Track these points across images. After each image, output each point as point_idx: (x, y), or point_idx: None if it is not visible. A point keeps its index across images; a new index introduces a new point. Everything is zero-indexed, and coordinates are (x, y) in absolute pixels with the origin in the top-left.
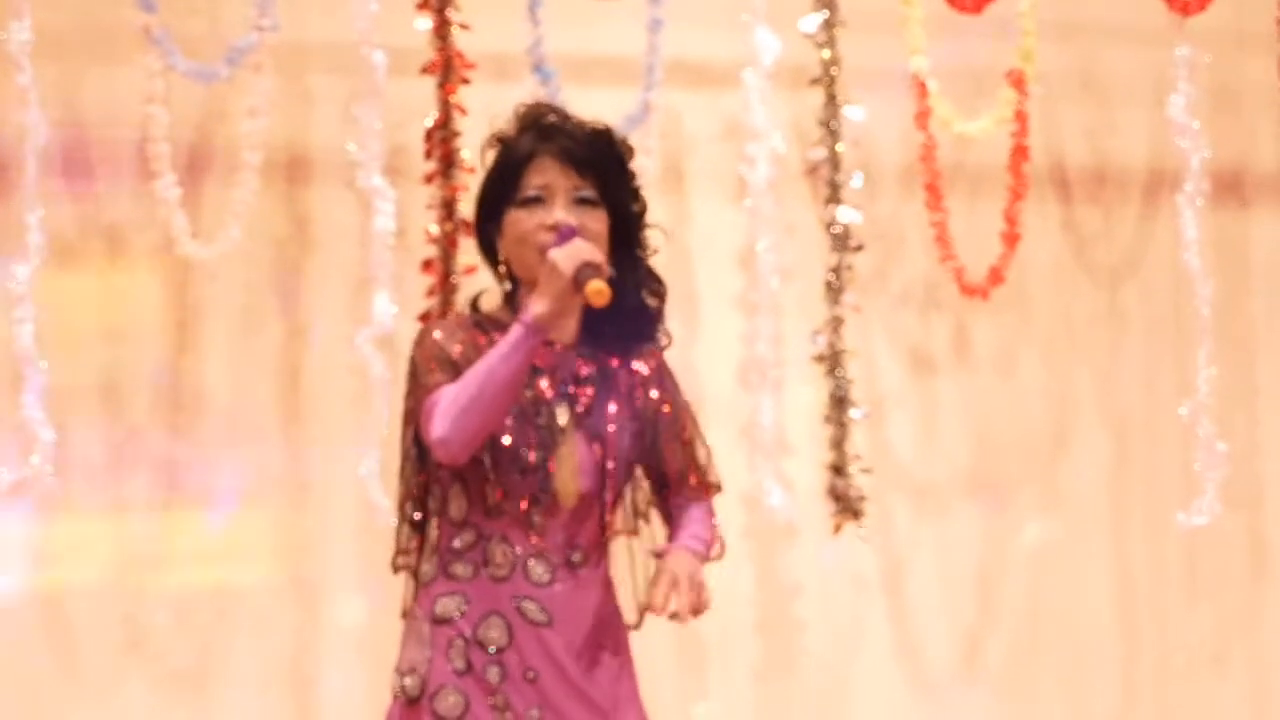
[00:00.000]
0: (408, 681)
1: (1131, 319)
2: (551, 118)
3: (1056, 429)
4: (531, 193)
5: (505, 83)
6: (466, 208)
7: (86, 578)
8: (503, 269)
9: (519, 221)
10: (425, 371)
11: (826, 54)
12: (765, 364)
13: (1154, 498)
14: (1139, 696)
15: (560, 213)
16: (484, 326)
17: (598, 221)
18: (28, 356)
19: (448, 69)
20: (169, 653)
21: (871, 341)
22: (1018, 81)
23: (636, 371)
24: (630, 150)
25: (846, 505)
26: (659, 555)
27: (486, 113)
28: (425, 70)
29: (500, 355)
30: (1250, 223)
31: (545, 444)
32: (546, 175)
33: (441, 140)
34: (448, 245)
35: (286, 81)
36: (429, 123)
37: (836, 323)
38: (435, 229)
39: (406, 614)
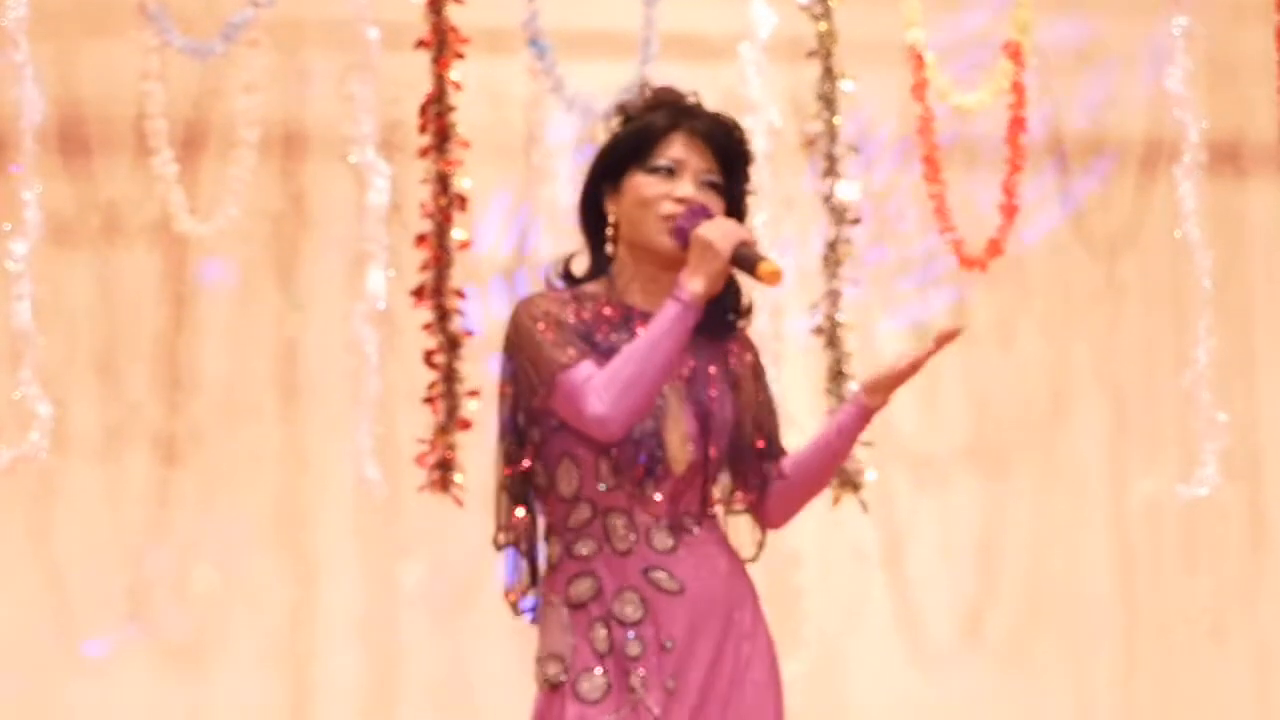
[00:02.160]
0: (551, 669)
1: (1130, 290)
2: (691, 99)
3: (1056, 400)
4: (664, 162)
5: (500, 57)
6: (461, 182)
7: (84, 554)
8: (610, 230)
9: (644, 185)
10: (551, 347)
11: (823, 27)
12: (764, 337)
13: (1153, 469)
14: (1139, 667)
15: (689, 187)
16: (581, 301)
17: (719, 208)
18: (25, 333)
19: (442, 44)
20: (167, 628)
21: (870, 314)
22: (1014, 53)
23: (734, 355)
24: (752, 150)
25: (845, 477)
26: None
27: (481, 87)
28: (420, 45)
29: (661, 331)
30: (1248, 193)
31: (656, 412)
32: (683, 150)
33: (436, 115)
34: (442, 220)
35: (282, 57)
36: (424, 98)
37: (835, 295)
38: (430, 203)
39: (508, 593)
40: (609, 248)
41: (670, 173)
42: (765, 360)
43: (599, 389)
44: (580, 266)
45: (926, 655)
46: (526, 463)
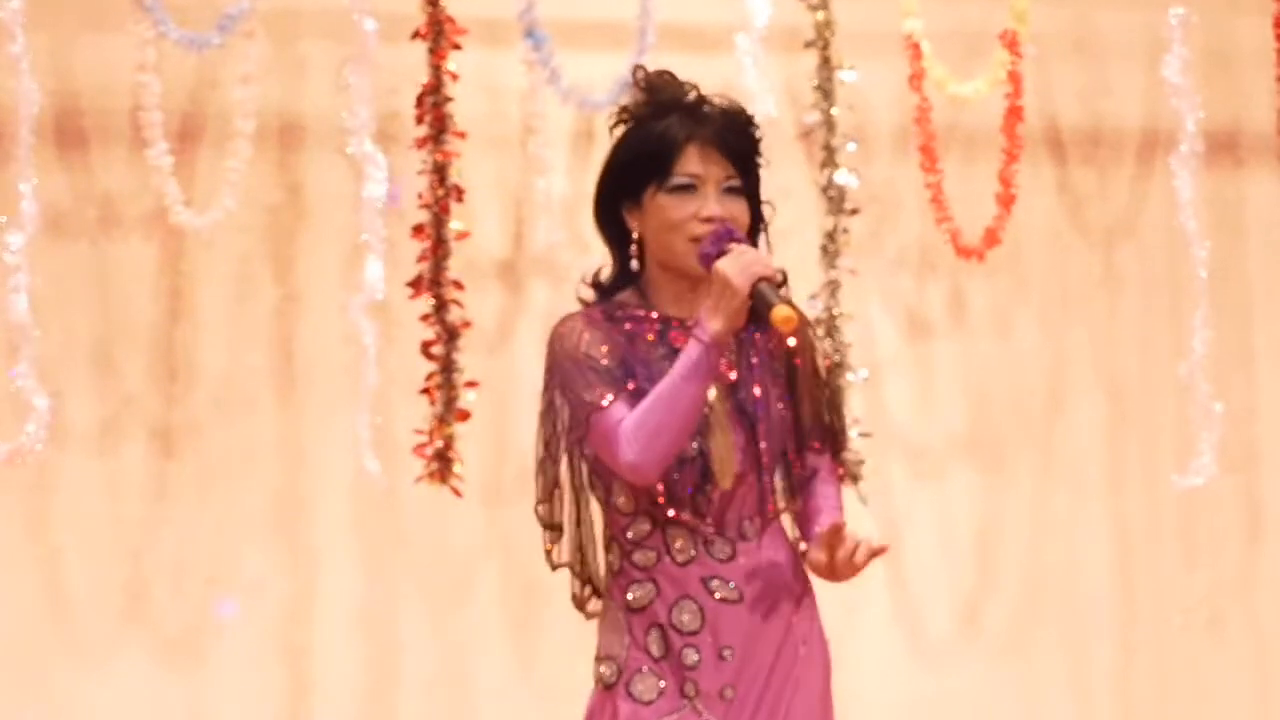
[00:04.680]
0: (604, 669)
1: (1127, 280)
2: (694, 95)
3: (1053, 391)
4: (683, 180)
5: (497, 48)
6: (458, 173)
7: (81, 546)
8: (634, 248)
9: (668, 208)
10: (585, 385)
11: (820, 16)
12: None
13: (1150, 459)
14: (1136, 658)
15: (714, 205)
16: (615, 318)
17: (743, 212)
18: (21, 325)
19: (439, 34)
20: (165, 621)
21: (867, 304)
22: (1011, 43)
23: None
24: (761, 131)
25: (845, 469)
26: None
27: (478, 78)
28: (416, 36)
29: (684, 376)
30: (1245, 183)
31: (701, 430)
32: (699, 163)
33: (433, 106)
34: (439, 211)
35: (278, 49)
36: (420, 89)
37: (832, 286)
38: (427, 194)
39: (576, 602)
40: (634, 263)
41: (691, 189)
42: None
43: (629, 435)
44: (606, 274)
45: (924, 647)
46: (556, 496)
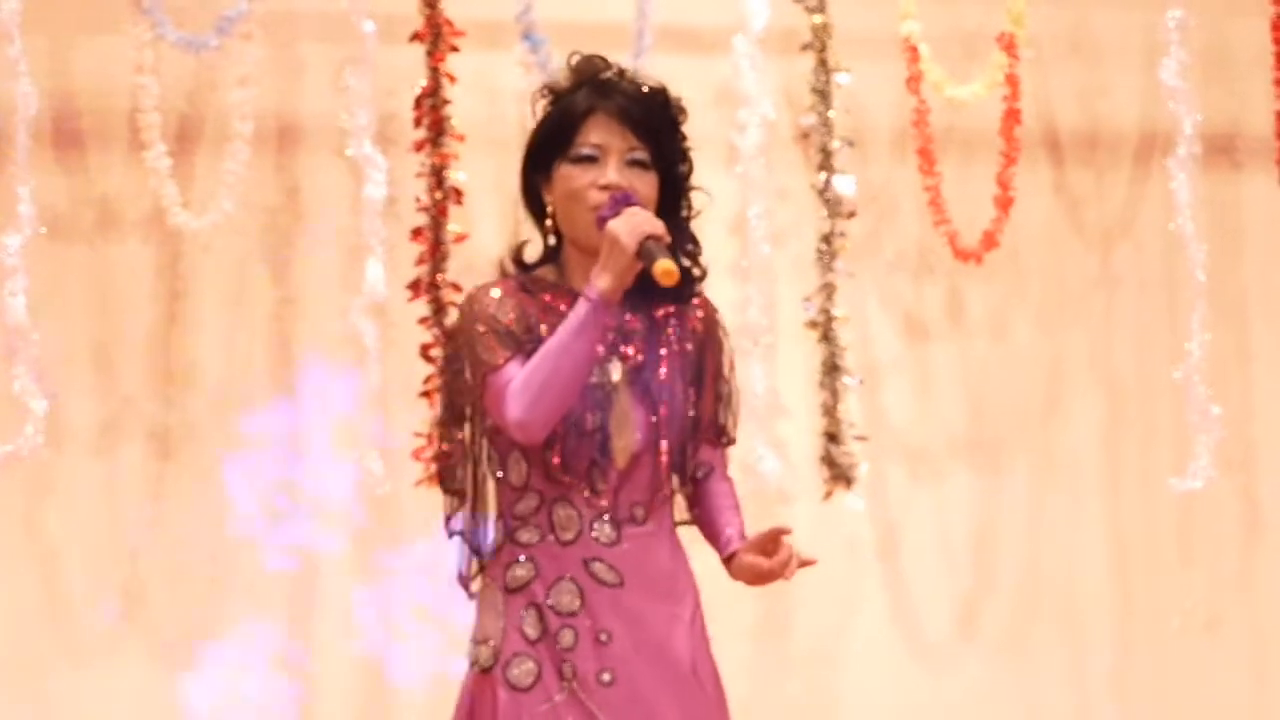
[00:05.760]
0: (482, 651)
1: (1125, 283)
2: (609, 73)
3: (1050, 393)
4: (586, 150)
5: (495, 50)
6: (456, 175)
7: (79, 547)
8: (549, 223)
9: (570, 178)
10: (484, 347)
11: (817, 19)
12: (758, 330)
13: (1148, 461)
14: (1133, 660)
15: (613, 174)
16: (530, 289)
17: (648, 185)
18: (20, 327)
19: (437, 36)
20: (164, 622)
21: (865, 307)
22: (1009, 45)
23: (689, 320)
24: (683, 111)
25: (838, 472)
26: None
27: (476, 81)
28: (415, 38)
29: (571, 332)
30: (1242, 186)
31: (602, 404)
32: (602, 134)
33: (431, 108)
34: (438, 213)
35: (277, 51)
36: (418, 91)
37: (829, 289)
38: (425, 197)
39: (461, 580)
40: (550, 238)
41: (593, 159)
42: (757, 356)
43: (516, 391)
44: (534, 253)
45: (922, 648)
46: (454, 443)
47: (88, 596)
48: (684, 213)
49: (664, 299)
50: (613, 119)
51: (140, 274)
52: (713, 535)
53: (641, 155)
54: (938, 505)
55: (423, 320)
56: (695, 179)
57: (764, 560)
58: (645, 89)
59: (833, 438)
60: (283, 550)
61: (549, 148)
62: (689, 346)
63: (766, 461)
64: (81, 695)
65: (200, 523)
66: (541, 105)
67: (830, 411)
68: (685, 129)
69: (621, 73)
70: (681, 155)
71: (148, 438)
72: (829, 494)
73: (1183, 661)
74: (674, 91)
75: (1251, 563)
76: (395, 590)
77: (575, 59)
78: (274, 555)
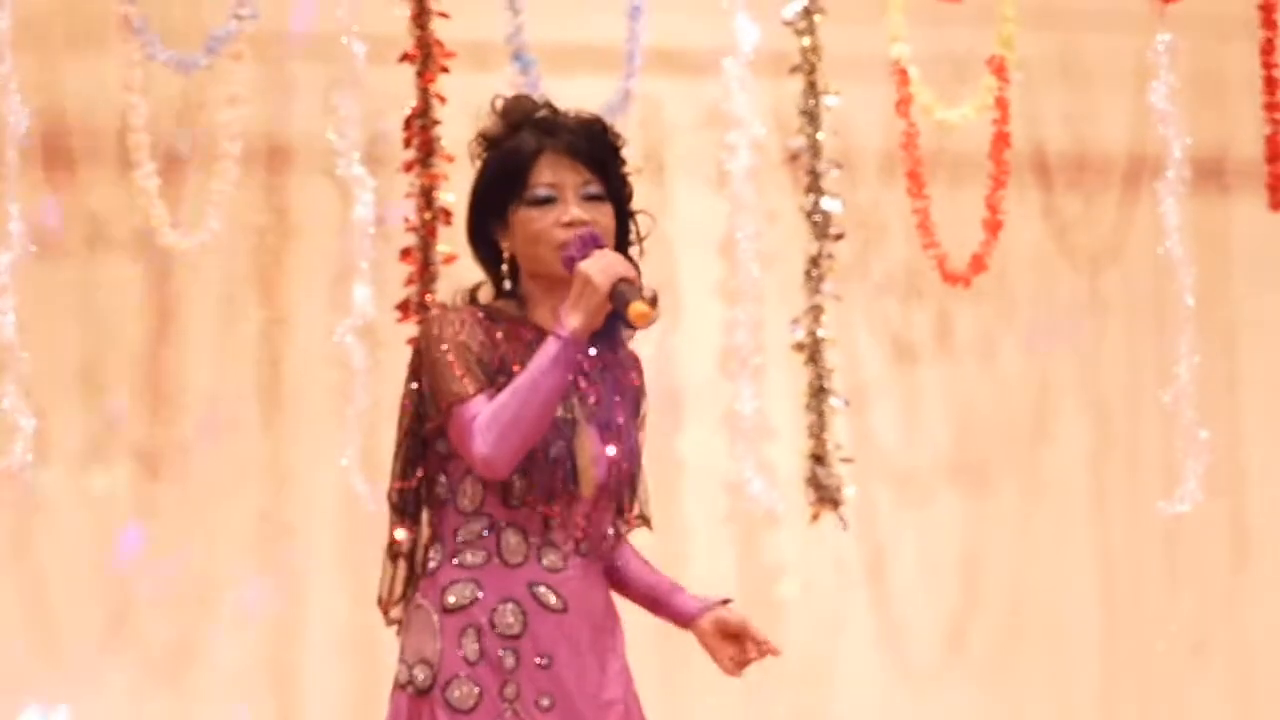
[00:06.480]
0: (418, 673)
1: (1113, 306)
2: (544, 111)
3: (1038, 416)
4: (542, 191)
5: (484, 71)
6: (445, 196)
7: (66, 566)
8: (505, 267)
9: (532, 220)
10: (451, 377)
11: (807, 41)
12: (746, 352)
13: (1136, 485)
14: (1120, 684)
15: (576, 210)
16: (494, 318)
17: (606, 216)
18: (8, 346)
19: (427, 57)
20: (150, 642)
21: (852, 329)
22: (998, 68)
23: (633, 379)
24: (620, 138)
25: (824, 494)
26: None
27: (465, 101)
28: (404, 59)
29: (541, 370)
30: (1231, 209)
31: (566, 435)
32: (555, 172)
33: (420, 129)
34: (427, 234)
35: (266, 70)
36: (408, 111)
37: (817, 311)
38: (414, 217)
39: (383, 604)
40: (506, 283)
41: (551, 200)
42: (746, 377)
43: (483, 427)
44: (485, 296)
45: (909, 671)
46: (417, 477)
47: (74, 616)
48: (631, 238)
49: (612, 337)
50: (562, 155)
51: (129, 293)
52: (649, 587)
53: (595, 189)
54: (925, 527)
55: (411, 341)
56: (681, 201)
57: (726, 643)
58: (586, 121)
59: (819, 460)
60: (269, 570)
61: (500, 192)
62: (633, 395)
63: (753, 483)
64: (68, 715)
65: (187, 542)
66: (479, 153)
67: (817, 434)
68: (624, 154)
69: (555, 110)
70: (624, 182)
71: (135, 457)
72: (815, 516)
73: (1169, 684)
74: (607, 120)
75: (1238, 586)
76: None
77: (499, 102)
78: (261, 575)
